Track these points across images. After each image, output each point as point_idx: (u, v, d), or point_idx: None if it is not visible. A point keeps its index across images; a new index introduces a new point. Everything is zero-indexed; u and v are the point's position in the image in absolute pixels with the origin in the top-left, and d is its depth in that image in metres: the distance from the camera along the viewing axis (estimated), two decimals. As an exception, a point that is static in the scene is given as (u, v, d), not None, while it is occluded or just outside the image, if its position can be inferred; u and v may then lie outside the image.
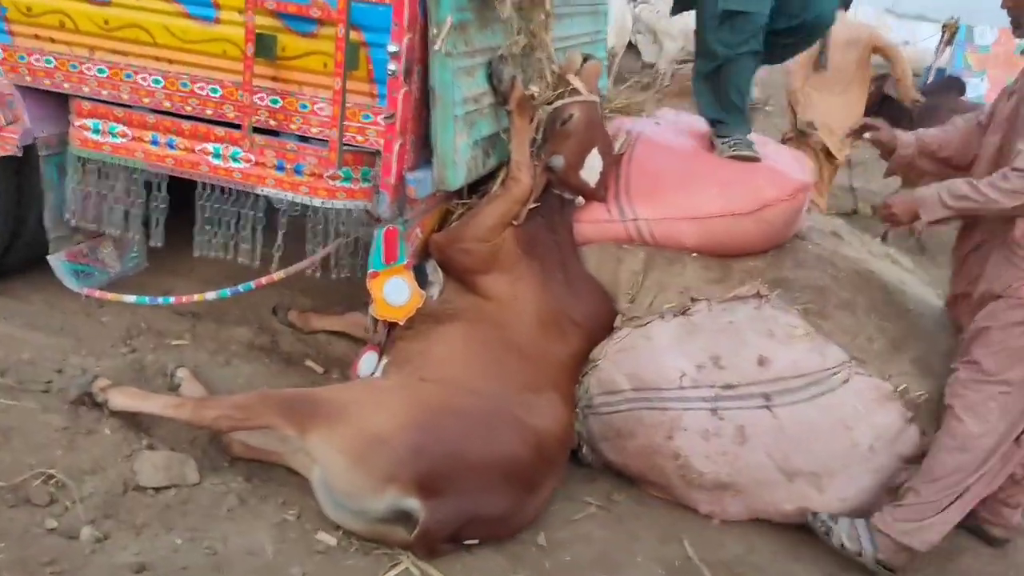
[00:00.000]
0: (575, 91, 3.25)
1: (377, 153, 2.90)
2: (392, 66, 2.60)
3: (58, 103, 3.11)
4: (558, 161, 3.11)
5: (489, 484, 2.49)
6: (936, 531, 2.76)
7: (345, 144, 2.75)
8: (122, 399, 2.77)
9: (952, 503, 2.75)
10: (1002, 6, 2.85)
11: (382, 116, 2.66)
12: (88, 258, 3.44)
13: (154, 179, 3.11)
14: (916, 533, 2.74)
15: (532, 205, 3.11)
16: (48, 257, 3.29)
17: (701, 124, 3.59)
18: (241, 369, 3.34)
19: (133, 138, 3.05)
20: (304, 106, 2.83)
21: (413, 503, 2.42)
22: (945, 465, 2.73)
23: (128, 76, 2.96)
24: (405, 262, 2.88)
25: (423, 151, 2.88)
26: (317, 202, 2.92)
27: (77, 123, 3.09)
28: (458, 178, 2.82)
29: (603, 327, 3.10)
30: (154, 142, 3.02)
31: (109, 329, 3.44)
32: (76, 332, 3.36)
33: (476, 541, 2.57)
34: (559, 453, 2.74)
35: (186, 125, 2.98)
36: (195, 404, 2.69)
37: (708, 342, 2.90)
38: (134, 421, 2.84)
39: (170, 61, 2.91)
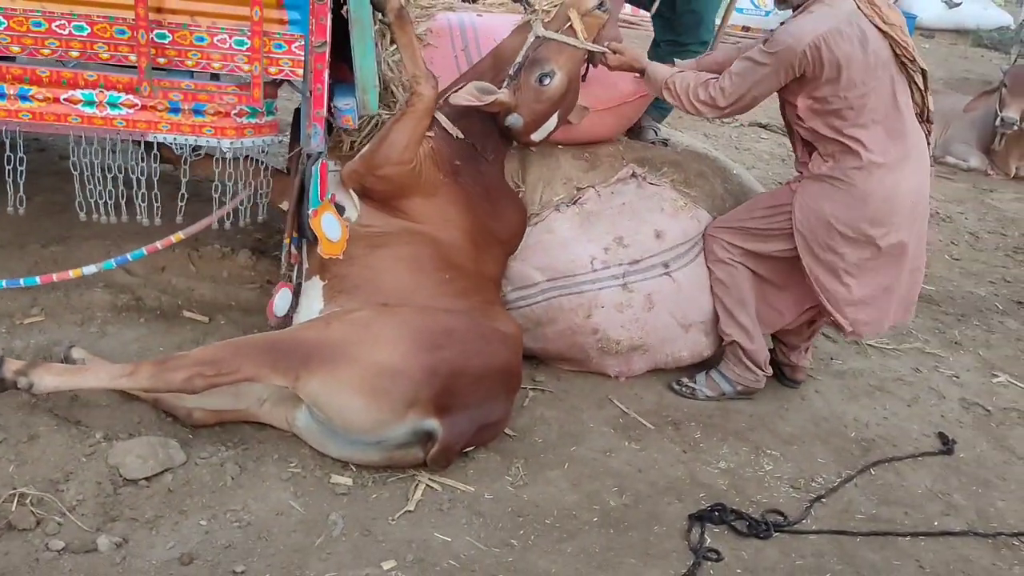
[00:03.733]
0: (571, 30, 2.97)
1: (280, 84, 2.75)
2: (320, -10, 2.45)
3: None
4: (517, 122, 2.99)
5: (490, 393, 2.66)
6: (752, 373, 3.29)
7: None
8: (52, 379, 2.45)
9: (748, 345, 3.24)
10: None
11: (315, 44, 2.52)
12: None
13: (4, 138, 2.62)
14: (749, 377, 3.29)
15: (459, 134, 3.02)
16: None
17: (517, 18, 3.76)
18: (123, 335, 3.05)
19: (-34, 92, 2.53)
20: (201, 39, 2.55)
21: (432, 423, 2.53)
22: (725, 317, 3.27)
23: (-48, 18, 2.44)
24: (331, 196, 2.80)
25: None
26: (226, 143, 2.69)
27: None
28: (376, 101, 2.77)
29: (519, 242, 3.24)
30: (-1, 95, 2.55)
31: (-68, 321, 2.91)
32: None
33: (472, 447, 2.74)
34: (521, 352, 2.93)
35: (43, 71, 2.54)
36: (154, 368, 2.45)
37: (609, 225, 3.23)
38: (66, 411, 2.55)
39: (10, -4, 2.44)
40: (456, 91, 2.90)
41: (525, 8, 3.03)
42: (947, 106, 7.31)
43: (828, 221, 3.00)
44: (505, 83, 2.97)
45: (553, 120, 3.08)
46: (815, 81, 2.88)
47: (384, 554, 2.32)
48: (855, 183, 2.95)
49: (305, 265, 2.93)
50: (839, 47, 2.81)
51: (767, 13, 10.00)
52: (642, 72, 3.15)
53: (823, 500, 2.84)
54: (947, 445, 3.22)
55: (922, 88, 3.02)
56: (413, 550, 2.35)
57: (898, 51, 2.92)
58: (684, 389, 3.34)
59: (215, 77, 2.69)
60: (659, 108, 3.73)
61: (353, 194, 2.94)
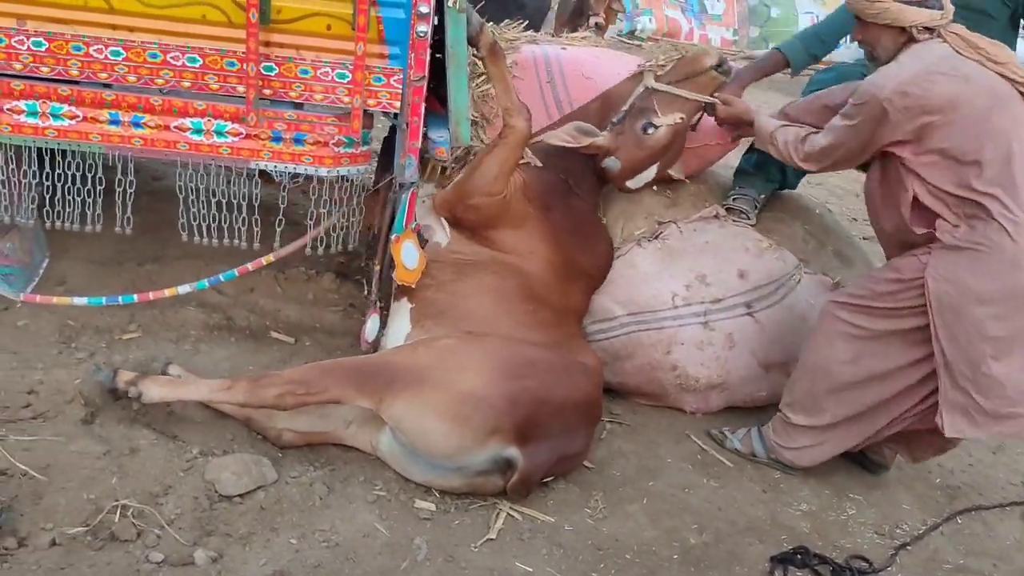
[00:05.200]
0: (684, 84, 3.10)
1: (374, 115, 2.84)
2: (422, 27, 2.54)
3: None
4: (614, 165, 3.10)
5: (570, 424, 2.68)
6: (807, 457, 2.99)
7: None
8: (158, 390, 2.58)
9: (824, 432, 2.93)
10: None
11: (413, 78, 2.60)
12: (7, 258, 2.98)
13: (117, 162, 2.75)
14: (786, 452, 3.02)
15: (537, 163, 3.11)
16: (-27, 265, 2.82)
17: (602, 51, 3.82)
18: (215, 353, 3.14)
19: (85, 119, 2.66)
20: (305, 71, 2.66)
21: (513, 451, 2.55)
22: (794, 387, 2.99)
23: (77, 48, 2.57)
24: (416, 225, 2.87)
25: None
26: (323, 171, 2.78)
27: (5, 106, 2.63)
28: (469, 133, 2.84)
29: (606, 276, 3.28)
30: (114, 122, 2.67)
31: (38, 335, 3.03)
32: (1, 344, 2.94)
33: (551, 477, 2.76)
34: (602, 385, 2.95)
35: (156, 100, 2.67)
36: (249, 384, 2.56)
37: (692, 263, 3.23)
38: (164, 426, 2.64)
39: (130, 29, 2.57)
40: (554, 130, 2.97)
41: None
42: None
43: (974, 297, 2.61)
44: (607, 127, 3.05)
45: (652, 170, 3.15)
46: (919, 131, 2.61)
47: (467, 581, 2.35)
48: (1002, 247, 2.58)
49: (395, 287, 2.99)
50: (933, 89, 2.58)
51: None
52: (751, 124, 3.08)
53: (908, 548, 2.79)
54: (1036, 496, 3.13)
55: None
56: (496, 578, 2.38)
57: (1022, 89, 2.65)
58: (716, 434, 3.22)
59: (298, 107, 2.77)
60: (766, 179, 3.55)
61: (444, 221, 3.01)
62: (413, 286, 2.90)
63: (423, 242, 2.96)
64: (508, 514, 2.62)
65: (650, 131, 3.05)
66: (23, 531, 2.19)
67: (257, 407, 2.61)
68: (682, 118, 3.07)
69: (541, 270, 2.97)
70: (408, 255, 2.86)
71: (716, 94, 3.11)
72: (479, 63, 3.20)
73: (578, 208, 3.12)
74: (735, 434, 3.20)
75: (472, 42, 2.86)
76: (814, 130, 2.90)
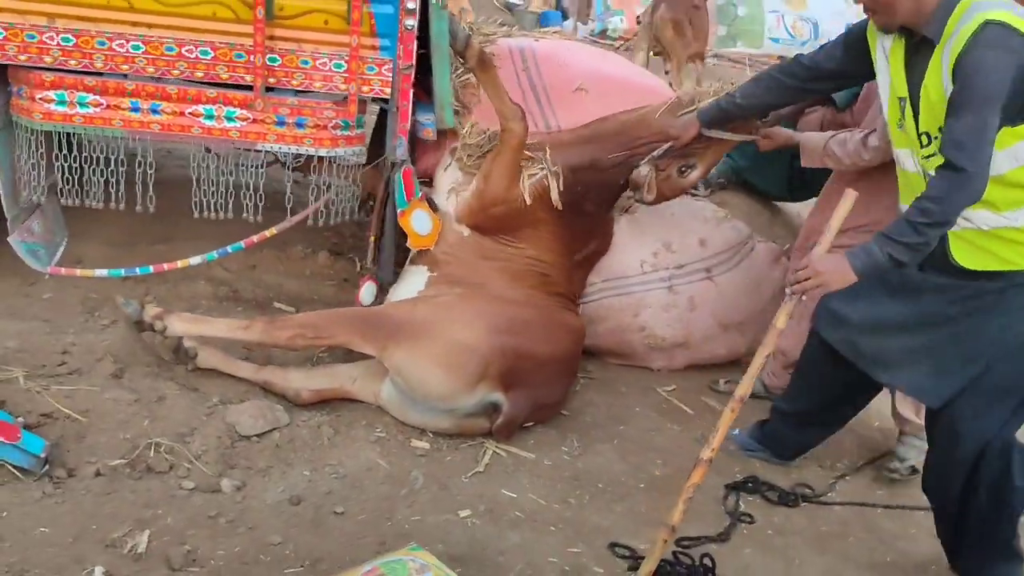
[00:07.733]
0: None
1: (370, 101, 3.16)
2: (409, 22, 2.87)
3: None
4: (645, 198, 3.27)
5: (552, 377, 3.04)
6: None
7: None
8: (182, 325, 2.92)
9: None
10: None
11: (402, 67, 2.93)
12: (34, 235, 3.28)
13: (137, 146, 3.07)
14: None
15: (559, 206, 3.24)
16: (9, 239, 3.11)
17: (574, 43, 4.17)
18: (223, 322, 3.45)
19: (109, 106, 2.98)
20: (305, 62, 2.99)
21: (499, 396, 2.90)
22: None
23: (101, 43, 2.88)
24: (420, 195, 3.19)
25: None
26: (323, 152, 3.11)
27: (37, 96, 2.94)
28: (452, 117, 3.17)
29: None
30: (134, 109, 2.99)
31: (63, 305, 3.34)
32: (32, 313, 3.25)
33: (531, 423, 3.10)
34: (582, 345, 3.30)
35: (172, 89, 2.98)
36: (265, 325, 2.90)
37: (658, 232, 3.58)
38: (186, 380, 2.95)
39: (149, 26, 2.89)
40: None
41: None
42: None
43: None
44: (645, 159, 3.22)
45: None
46: None
47: (459, 504, 2.68)
48: None
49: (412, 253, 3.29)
50: None
51: (803, 43, 10.19)
52: (796, 147, 3.21)
53: (846, 478, 3.15)
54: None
55: None
56: (484, 502, 2.71)
57: None
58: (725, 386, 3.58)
59: (298, 94, 3.09)
60: None
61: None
62: (432, 249, 3.19)
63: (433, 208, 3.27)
64: (494, 451, 2.96)
65: (686, 172, 3.21)
66: (71, 464, 2.50)
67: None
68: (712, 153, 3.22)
69: (550, 259, 3.27)
70: (419, 222, 3.17)
71: (760, 130, 3.21)
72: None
73: (589, 214, 3.37)
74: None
75: (460, 54, 3.14)
76: (867, 131, 3.01)
